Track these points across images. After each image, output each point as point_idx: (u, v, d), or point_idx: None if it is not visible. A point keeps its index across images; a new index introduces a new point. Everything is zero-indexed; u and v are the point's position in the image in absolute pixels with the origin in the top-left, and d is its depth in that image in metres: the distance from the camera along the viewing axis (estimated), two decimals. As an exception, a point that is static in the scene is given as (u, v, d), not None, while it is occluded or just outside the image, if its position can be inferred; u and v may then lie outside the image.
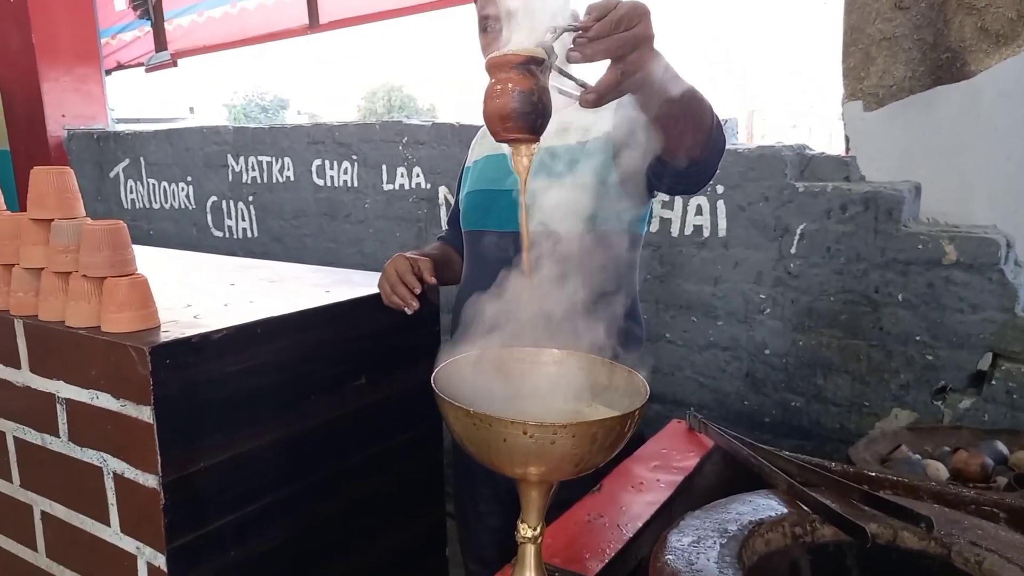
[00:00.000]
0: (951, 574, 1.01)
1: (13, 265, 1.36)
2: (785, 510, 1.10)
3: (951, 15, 2.16)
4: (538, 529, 0.77)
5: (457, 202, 1.70)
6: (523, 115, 0.76)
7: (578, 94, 0.85)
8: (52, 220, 1.28)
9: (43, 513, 1.39)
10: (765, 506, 1.11)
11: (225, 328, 1.26)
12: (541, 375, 0.85)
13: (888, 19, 2.20)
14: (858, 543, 1.06)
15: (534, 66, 0.76)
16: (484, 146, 1.62)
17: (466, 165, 1.68)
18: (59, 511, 1.36)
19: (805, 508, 1.10)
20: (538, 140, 0.81)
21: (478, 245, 1.52)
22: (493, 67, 0.78)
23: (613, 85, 0.83)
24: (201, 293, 1.53)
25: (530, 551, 0.77)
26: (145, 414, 1.16)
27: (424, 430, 1.66)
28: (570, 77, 0.85)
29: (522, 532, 0.77)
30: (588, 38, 0.79)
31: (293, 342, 1.38)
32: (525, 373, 0.84)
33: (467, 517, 1.59)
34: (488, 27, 1.45)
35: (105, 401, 1.22)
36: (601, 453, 0.71)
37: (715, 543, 1.00)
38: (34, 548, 1.43)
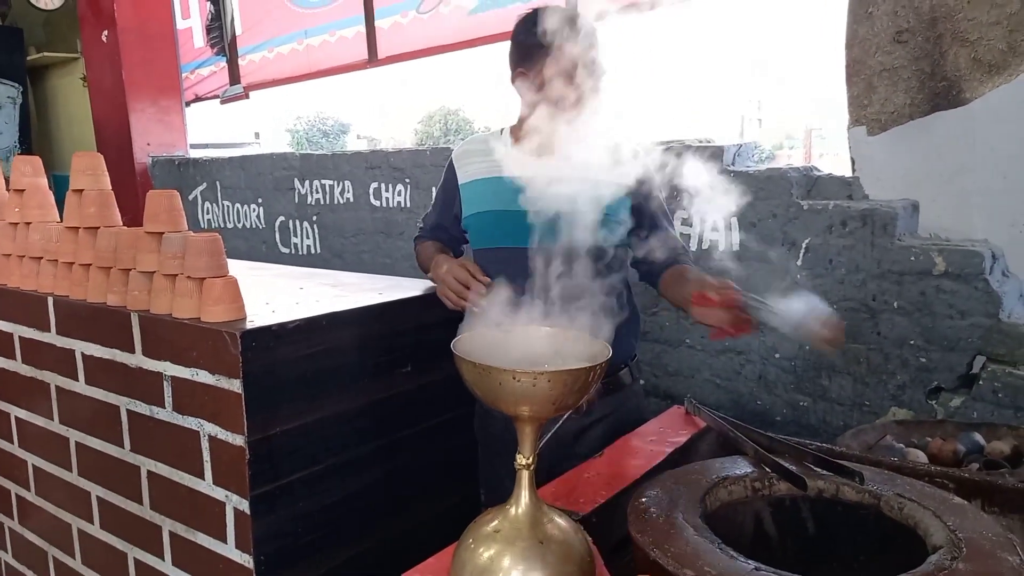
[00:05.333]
0: (881, 519, 1.23)
1: (130, 270, 1.68)
2: (749, 470, 1.33)
3: (946, 47, 2.36)
4: (531, 459, 1.03)
5: (440, 209, 1.97)
6: None
7: None
8: (163, 233, 1.60)
9: (149, 472, 1.70)
10: (733, 467, 1.35)
11: (297, 319, 1.55)
12: (536, 345, 1.11)
13: (888, 52, 2.41)
14: (807, 495, 1.29)
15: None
16: (475, 166, 1.85)
17: (460, 182, 1.88)
18: (162, 469, 1.66)
19: (766, 468, 1.33)
20: None
21: (493, 260, 1.77)
22: None
23: None
24: (276, 294, 1.84)
25: (525, 475, 1.03)
26: (235, 386, 1.46)
27: (461, 413, 1.93)
28: None
29: (519, 460, 1.03)
30: None
31: (351, 333, 1.67)
32: (523, 344, 1.11)
33: (494, 488, 1.85)
34: (555, 97, 1.65)
35: (203, 377, 1.52)
36: (573, 396, 0.96)
37: (683, 490, 1.25)
38: (140, 502, 1.74)
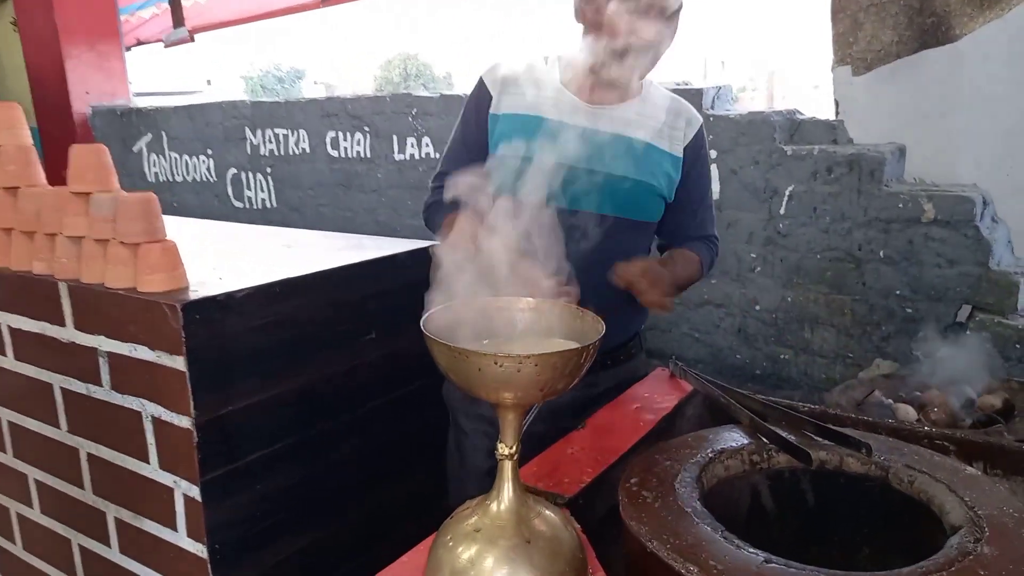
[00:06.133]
0: (889, 493, 1.14)
1: (56, 234, 1.51)
2: (746, 441, 1.23)
3: (936, -20, 2.23)
4: (514, 448, 0.90)
5: (471, 148, 1.52)
6: None
7: None
8: (91, 193, 1.42)
9: (89, 455, 1.56)
10: (728, 438, 1.24)
11: (247, 288, 1.40)
12: (518, 319, 0.98)
13: (875, -14, 2.28)
14: (808, 468, 1.20)
15: None
16: (517, 98, 1.50)
17: (493, 111, 1.51)
18: (104, 452, 1.52)
19: (764, 439, 1.23)
20: None
21: None
22: None
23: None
24: (224, 257, 1.68)
25: (508, 466, 0.91)
26: (178, 363, 1.31)
27: (430, 382, 1.80)
28: None
29: (501, 450, 0.91)
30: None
31: (309, 300, 1.52)
32: (504, 318, 0.98)
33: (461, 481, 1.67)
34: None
35: (143, 353, 1.37)
36: (562, 380, 0.84)
37: (678, 467, 1.14)
38: (81, 487, 1.60)
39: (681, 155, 1.54)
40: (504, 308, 0.99)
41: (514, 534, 0.89)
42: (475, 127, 1.54)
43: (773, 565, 0.91)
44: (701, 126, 1.57)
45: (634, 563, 1.00)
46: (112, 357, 1.43)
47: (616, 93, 1.48)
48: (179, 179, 4.21)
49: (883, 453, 1.18)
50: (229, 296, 1.36)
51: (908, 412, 1.74)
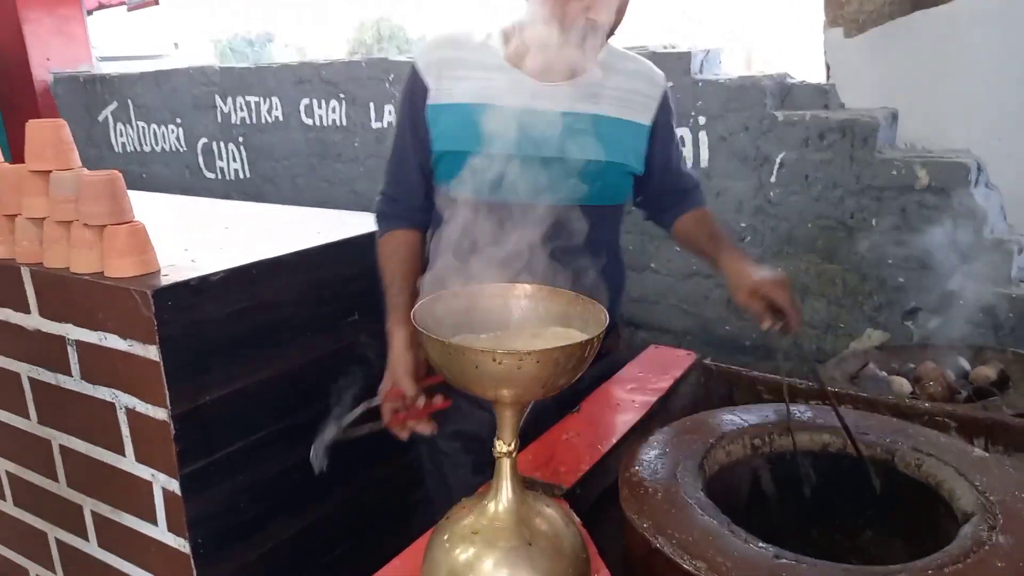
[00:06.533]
0: (894, 476, 1.11)
1: (16, 215, 1.42)
2: (746, 424, 1.19)
3: (931, -62, 2.17)
4: (512, 445, 0.85)
5: (412, 150, 1.38)
6: None
7: None
8: (51, 172, 1.34)
9: (61, 447, 1.49)
10: (728, 421, 1.21)
11: (222, 271, 1.33)
12: (514, 308, 0.92)
13: (868, -56, 2.21)
14: (811, 450, 1.17)
15: None
16: (457, 84, 1.34)
17: (432, 102, 1.35)
18: (77, 444, 1.45)
19: (769, 422, 1.19)
20: None
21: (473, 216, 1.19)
22: None
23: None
24: (197, 237, 1.60)
25: (506, 464, 0.86)
26: (152, 353, 1.24)
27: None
28: None
29: (498, 448, 0.86)
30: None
31: (288, 282, 1.45)
32: (499, 306, 0.92)
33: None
34: None
35: (113, 342, 1.30)
36: (565, 376, 0.79)
37: (679, 455, 1.10)
38: (55, 479, 1.53)
39: (650, 123, 1.42)
40: (498, 296, 0.93)
41: (514, 535, 0.84)
42: (415, 125, 1.37)
43: (784, 561, 0.87)
44: (665, 85, 1.44)
45: (637, 558, 0.96)
46: (81, 346, 1.36)
47: (570, 67, 1.32)
48: (148, 149, 4.07)
49: (887, 435, 1.15)
50: (203, 280, 1.29)
51: (903, 385, 1.72)
